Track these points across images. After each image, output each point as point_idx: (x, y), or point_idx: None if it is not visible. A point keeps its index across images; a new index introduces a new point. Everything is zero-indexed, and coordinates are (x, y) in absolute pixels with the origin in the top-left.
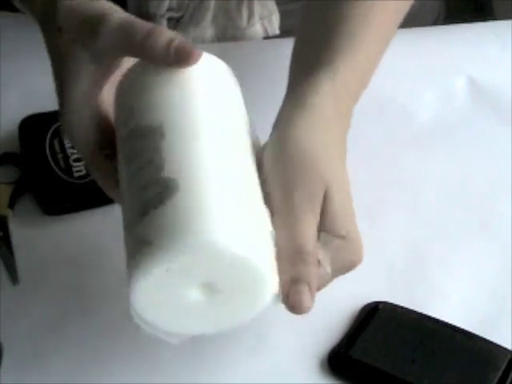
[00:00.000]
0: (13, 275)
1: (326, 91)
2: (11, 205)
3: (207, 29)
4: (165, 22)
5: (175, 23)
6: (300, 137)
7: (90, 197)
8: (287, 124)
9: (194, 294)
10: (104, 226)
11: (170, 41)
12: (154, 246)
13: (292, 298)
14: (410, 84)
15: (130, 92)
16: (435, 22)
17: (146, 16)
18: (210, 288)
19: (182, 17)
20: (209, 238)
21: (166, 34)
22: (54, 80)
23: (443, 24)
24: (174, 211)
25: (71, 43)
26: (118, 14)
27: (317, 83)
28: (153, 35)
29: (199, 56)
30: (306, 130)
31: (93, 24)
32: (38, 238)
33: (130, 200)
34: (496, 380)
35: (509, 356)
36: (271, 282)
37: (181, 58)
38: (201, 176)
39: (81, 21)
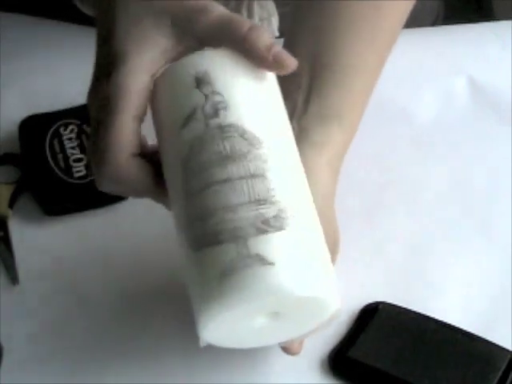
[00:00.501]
0: (13, 275)
1: (338, 143)
2: (11, 205)
3: None
4: None
5: None
6: (323, 189)
7: (90, 197)
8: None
9: (260, 320)
10: (104, 226)
11: (271, 44)
12: (279, 268)
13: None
14: (410, 84)
15: (220, 77)
16: (435, 23)
17: None
18: (275, 315)
19: None
20: (313, 284)
21: (267, 35)
22: (107, 40)
23: (443, 24)
24: (293, 243)
25: (157, 11)
26: (218, 6)
27: (330, 133)
28: (256, 31)
29: (295, 65)
30: (326, 181)
31: (194, 10)
32: (37, 238)
33: (223, 201)
34: (496, 380)
35: (509, 356)
36: (334, 304)
37: (279, 64)
38: (304, 212)
39: (182, 4)
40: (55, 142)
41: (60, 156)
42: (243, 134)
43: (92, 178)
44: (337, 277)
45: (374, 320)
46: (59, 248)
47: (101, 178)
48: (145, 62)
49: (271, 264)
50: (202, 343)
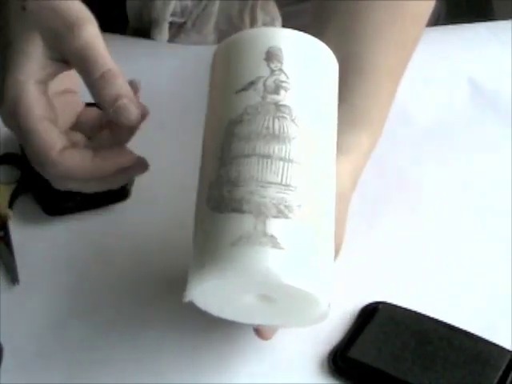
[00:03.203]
0: (13, 275)
1: (366, 151)
2: (11, 205)
3: (209, 35)
4: (166, 26)
5: (177, 28)
6: (343, 194)
7: (90, 197)
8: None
9: (249, 297)
10: (104, 226)
11: (118, 96)
12: (286, 255)
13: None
14: (410, 84)
15: (291, 58)
16: (435, 23)
17: (147, 21)
18: (265, 298)
19: (184, 23)
20: (305, 282)
21: (117, 84)
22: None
23: (443, 24)
24: (306, 236)
25: (32, 26)
26: (86, 30)
27: (360, 141)
28: (106, 80)
29: (136, 119)
30: (347, 186)
31: (61, 29)
32: (37, 238)
33: (258, 174)
34: (496, 380)
35: (509, 356)
36: (324, 303)
37: (119, 118)
38: (325, 210)
39: (52, 18)
40: None
41: None
42: (295, 119)
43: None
44: (337, 276)
45: (374, 320)
46: (59, 248)
47: (52, 181)
48: (26, 74)
49: (281, 249)
50: (186, 299)
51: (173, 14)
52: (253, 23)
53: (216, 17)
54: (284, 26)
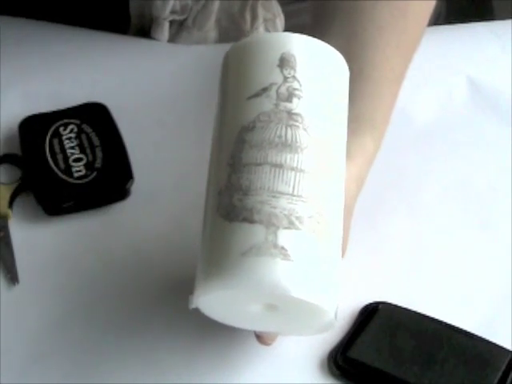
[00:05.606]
0: (13, 275)
1: (371, 154)
2: (11, 205)
3: (210, 32)
4: (167, 25)
5: (178, 26)
6: (347, 200)
7: (89, 197)
8: None
9: (256, 306)
10: (104, 226)
11: None
12: (296, 267)
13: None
14: (410, 84)
15: (304, 65)
16: (435, 22)
17: (149, 19)
18: (272, 307)
19: (185, 20)
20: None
21: None
22: None
23: (443, 24)
24: (316, 248)
25: None
26: None
27: (364, 144)
28: None
29: None
30: (352, 192)
31: None
32: (37, 238)
33: (269, 184)
34: (496, 380)
35: (509, 356)
36: (331, 314)
37: None
38: (335, 221)
39: None
40: (55, 141)
41: (60, 156)
42: (307, 128)
43: (92, 177)
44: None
45: (374, 320)
46: (59, 248)
47: None
48: None
49: (291, 261)
50: (192, 306)
51: (173, 12)
52: (254, 20)
53: (217, 14)
54: (287, 26)
